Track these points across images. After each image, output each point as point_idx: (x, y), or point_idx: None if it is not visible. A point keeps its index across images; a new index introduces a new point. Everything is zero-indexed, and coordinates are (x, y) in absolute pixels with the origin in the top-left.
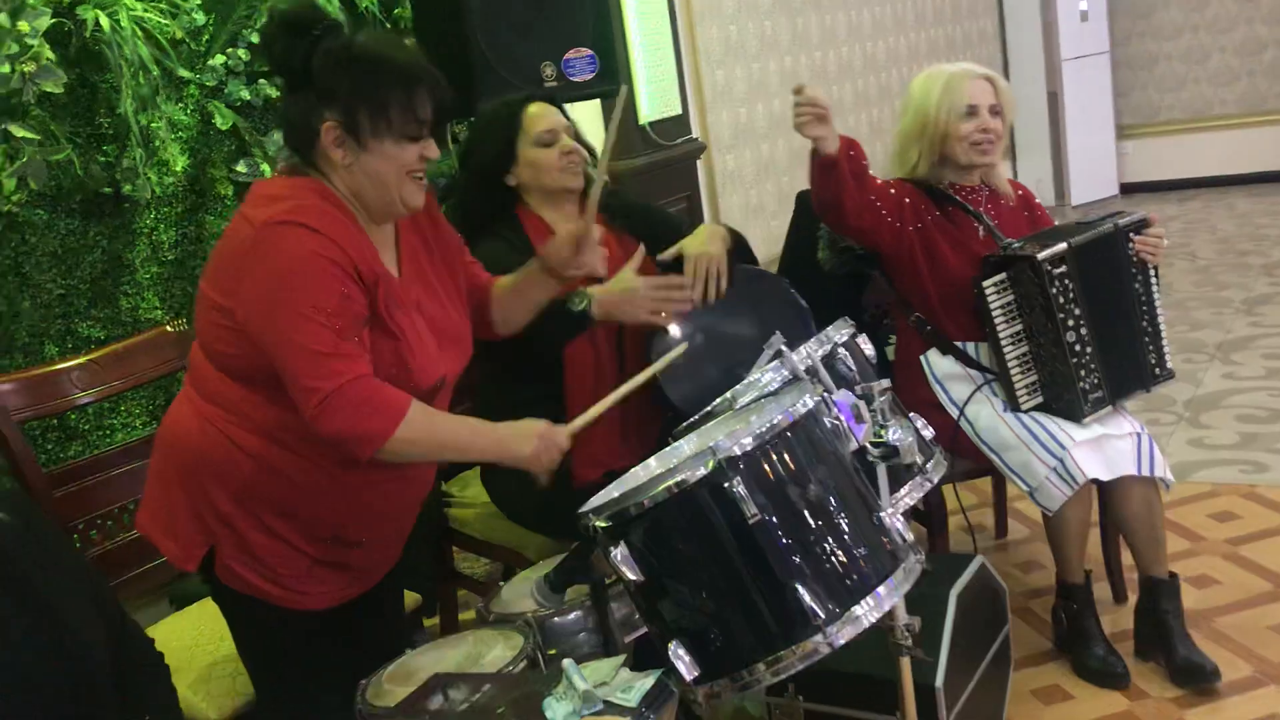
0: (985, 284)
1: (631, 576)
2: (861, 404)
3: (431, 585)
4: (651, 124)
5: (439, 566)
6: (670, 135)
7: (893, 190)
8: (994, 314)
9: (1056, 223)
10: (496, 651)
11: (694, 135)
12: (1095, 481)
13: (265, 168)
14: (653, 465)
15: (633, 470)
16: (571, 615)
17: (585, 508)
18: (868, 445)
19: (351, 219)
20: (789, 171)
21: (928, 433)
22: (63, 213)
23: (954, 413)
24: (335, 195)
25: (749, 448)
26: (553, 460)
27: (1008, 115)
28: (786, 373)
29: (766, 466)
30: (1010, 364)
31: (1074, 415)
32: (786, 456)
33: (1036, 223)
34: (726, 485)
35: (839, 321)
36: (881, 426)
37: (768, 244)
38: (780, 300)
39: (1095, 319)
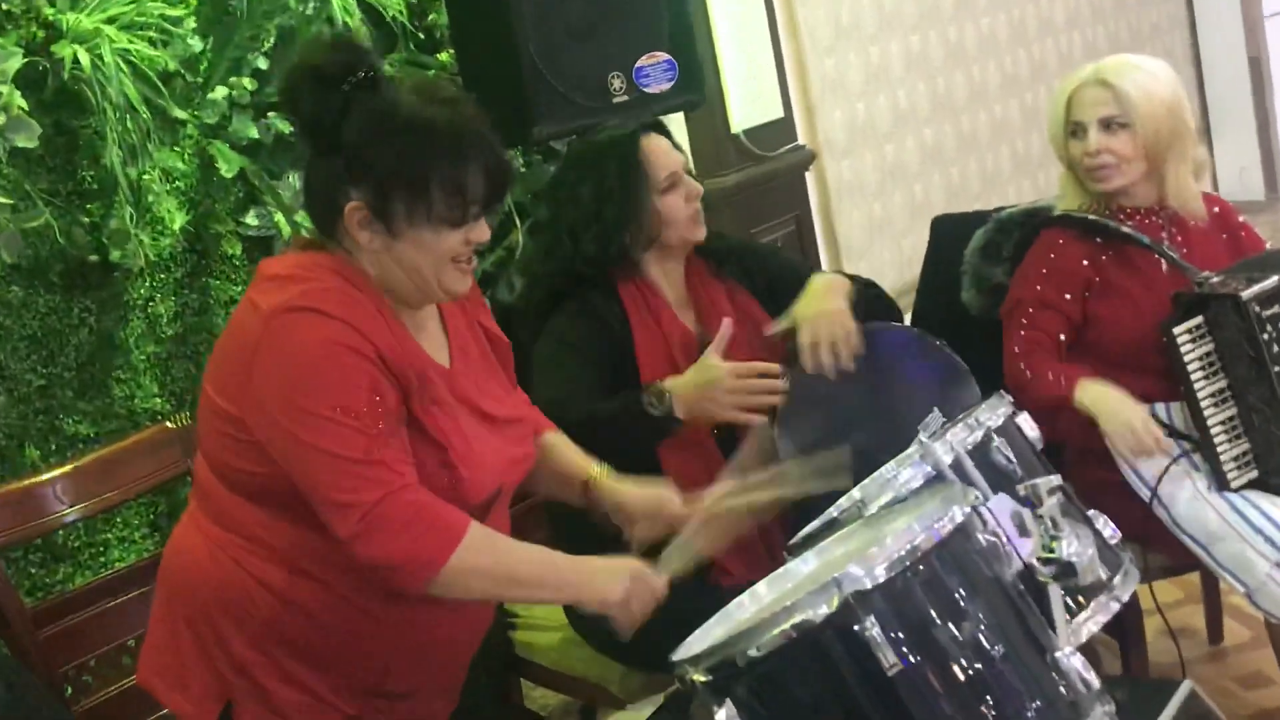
0: (1176, 330)
1: None
2: (1025, 511)
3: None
4: (746, 132)
5: (503, 705)
6: (770, 143)
7: (1045, 270)
8: (1189, 367)
9: (1268, 245)
10: None
11: (800, 142)
12: None
13: (279, 218)
14: (762, 593)
15: (738, 599)
16: None
17: (679, 654)
18: (1035, 564)
19: (378, 301)
20: (921, 177)
21: (1111, 533)
22: (41, 287)
23: (1145, 495)
24: (358, 274)
25: (883, 579)
26: (644, 610)
27: (1144, 126)
28: (929, 469)
29: (907, 602)
30: (1214, 431)
31: None
32: (932, 587)
33: (1240, 246)
34: (857, 628)
35: (993, 399)
36: (1053, 538)
37: (898, 268)
38: (930, 361)
39: None
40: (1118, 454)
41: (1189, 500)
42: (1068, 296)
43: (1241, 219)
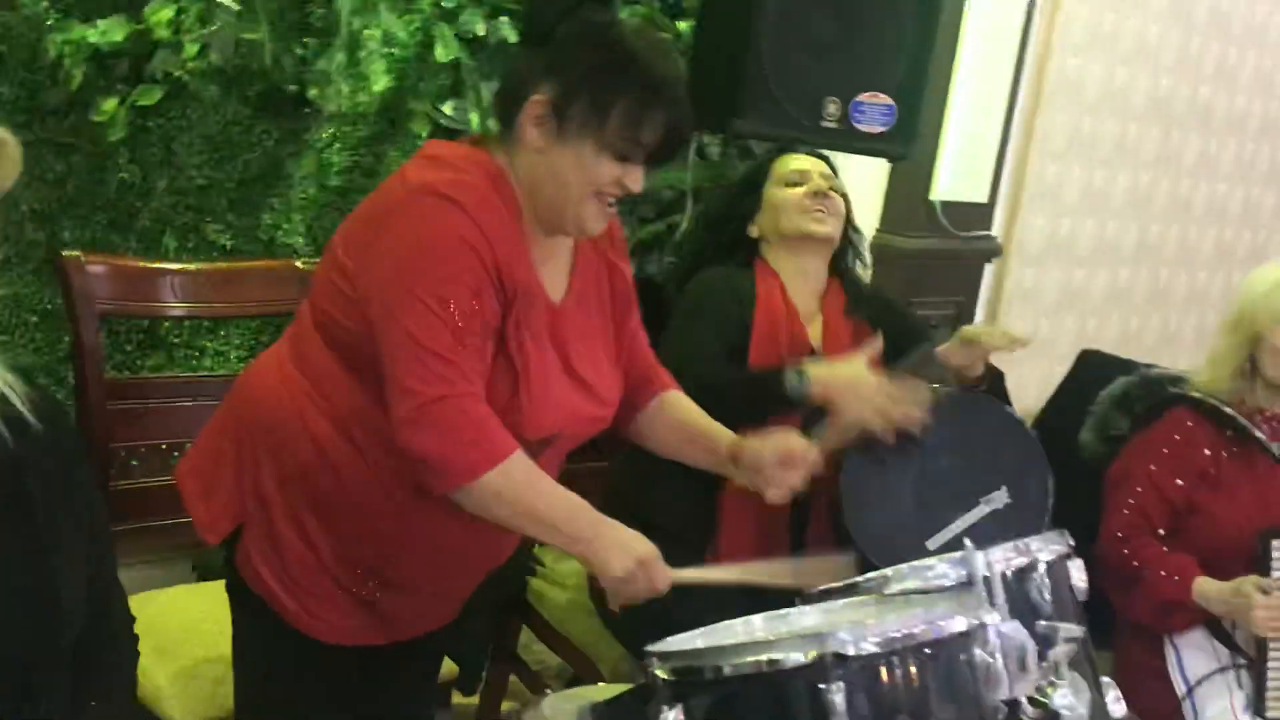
0: (1276, 541)
1: None
2: (1031, 647)
3: (482, 659)
4: (944, 204)
5: (499, 641)
6: (964, 224)
7: (1167, 450)
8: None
9: None
10: None
11: (993, 234)
12: None
13: (474, 116)
14: (756, 625)
15: (730, 623)
16: None
17: (654, 646)
18: (1023, 701)
19: (516, 217)
20: (1100, 313)
21: (1117, 707)
22: (236, 97)
23: (1180, 689)
24: (509, 185)
25: (865, 651)
26: (637, 597)
27: None
28: (963, 573)
29: (880, 682)
30: (1273, 654)
31: None
32: (910, 678)
33: None
34: (824, 687)
35: (1052, 533)
36: (1051, 684)
37: (1041, 390)
38: (1016, 443)
39: None
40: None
41: (1220, 712)
42: (1179, 482)
43: None
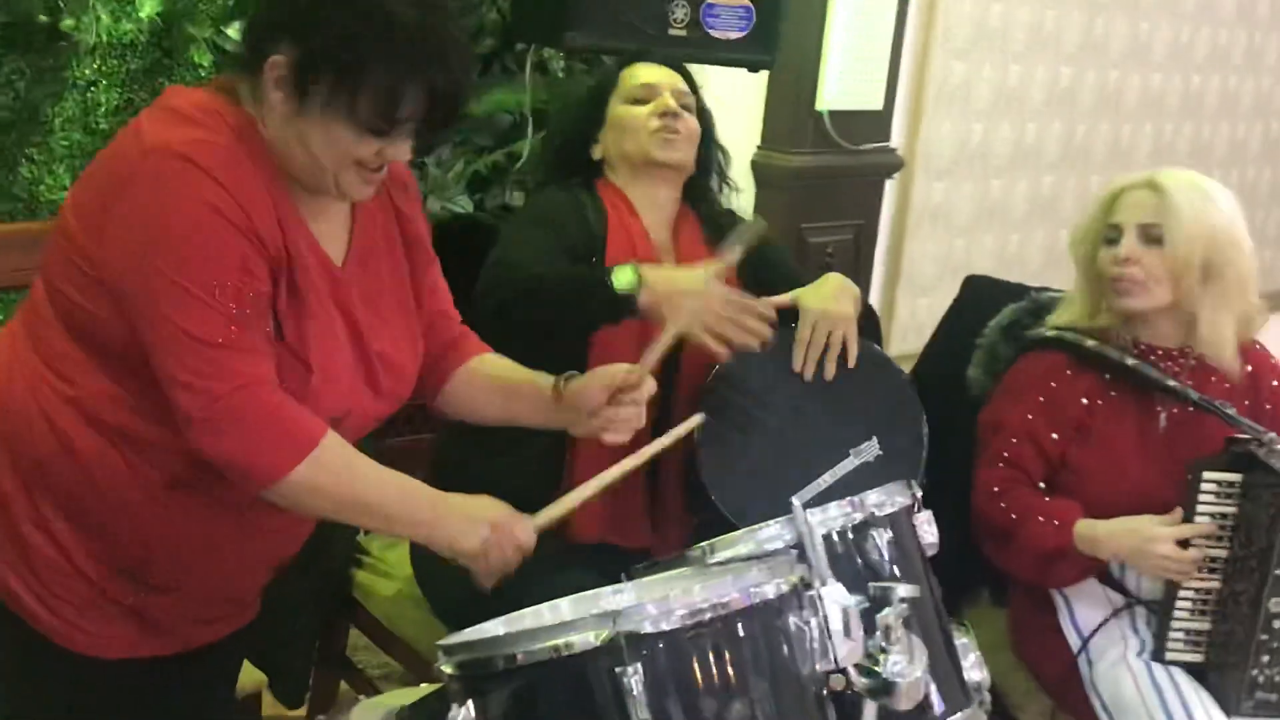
0: (1208, 474)
1: None
2: (855, 610)
3: (305, 664)
4: (832, 114)
5: (325, 644)
6: (857, 136)
7: (1042, 398)
8: (1198, 519)
9: None
10: None
11: (892, 145)
12: None
13: None
14: (563, 609)
15: (536, 608)
16: None
17: (445, 640)
18: (850, 670)
19: (272, 175)
20: (1023, 227)
21: (975, 672)
22: None
23: (1075, 643)
24: (259, 140)
25: (666, 628)
26: (507, 564)
27: (1178, 248)
28: (790, 536)
29: (684, 660)
30: (1183, 595)
31: (1225, 704)
32: (716, 654)
33: (1273, 416)
34: (619, 670)
35: (895, 485)
36: (881, 649)
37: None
38: (890, 390)
39: None
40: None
41: (1113, 661)
42: (1055, 436)
43: (1276, 384)
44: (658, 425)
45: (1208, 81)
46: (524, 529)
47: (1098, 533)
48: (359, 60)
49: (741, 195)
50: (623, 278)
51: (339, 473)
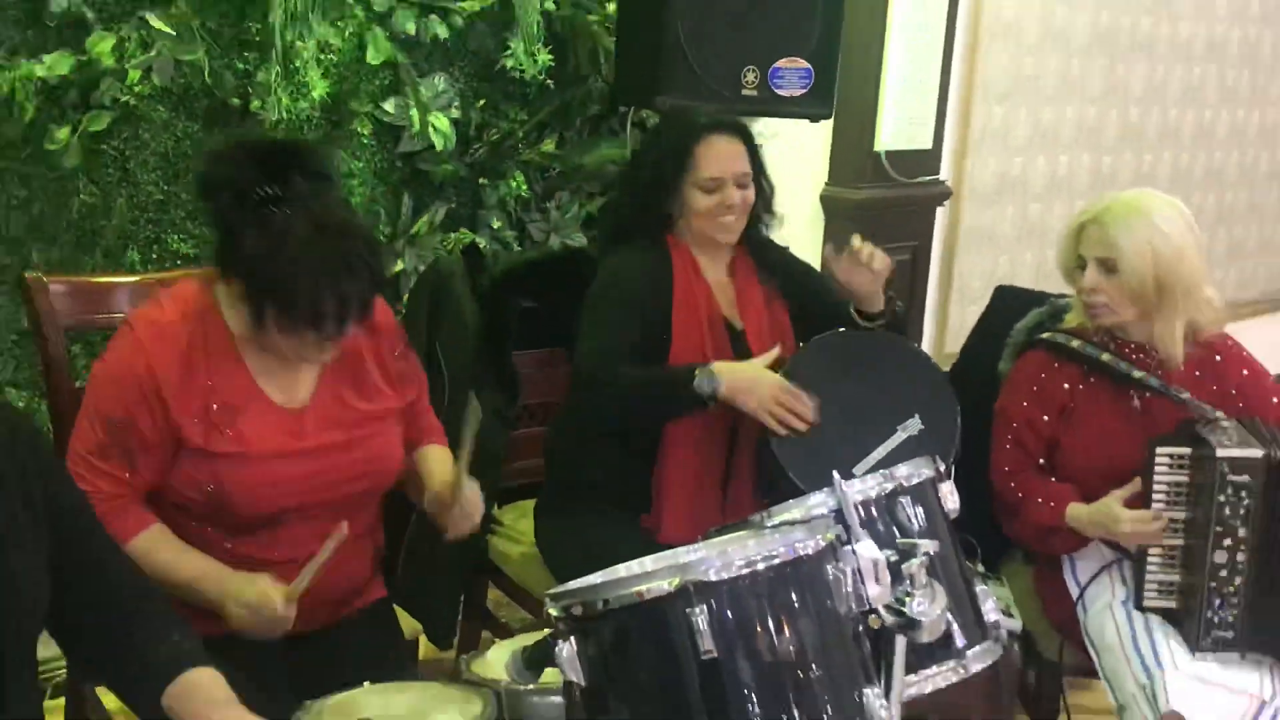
0: (1161, 449)
1: (573, 678)
2: (882, 561)
3: (452, 615)
4: (888, 154)
5: (468, 599)
6: (910, 171)
7: (1035, 388)
8: (1156, 486)
9: None
10: (446, 714)
11: (941, 178)
12: None
13: (414, 113)
14: (648, 564)
15: (627, 564)
16: (553, 699)
17: (552, 590)
18: (881, 611)
19: (222, 346)
20: (1058, 244)
21: (991, 613)
22: (184, 114)
23: (1075, 592)
24: (217, 318)
25: (725, 576)
26: (272, 633)
27: (1129, 277)
28: (834, 503)
29: (739, 601)
30: (1153, 551)
31: (1190, 643)
32: (767, 597)
33: (1240, 406)
34: (688, 610)
35: (921, 459)
36: (907, 594)
37: None
38: (925, 375)
39: (1268, 553)
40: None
41: (1101, 608)
42: (1045, 418)
43: (1246, 373)
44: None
45: (1218, 115)
46: (275, 603)
47: (1080, 517)
48: (292, 296)
49: (795, 224)
50: (703, 379)
51: (152, 555)
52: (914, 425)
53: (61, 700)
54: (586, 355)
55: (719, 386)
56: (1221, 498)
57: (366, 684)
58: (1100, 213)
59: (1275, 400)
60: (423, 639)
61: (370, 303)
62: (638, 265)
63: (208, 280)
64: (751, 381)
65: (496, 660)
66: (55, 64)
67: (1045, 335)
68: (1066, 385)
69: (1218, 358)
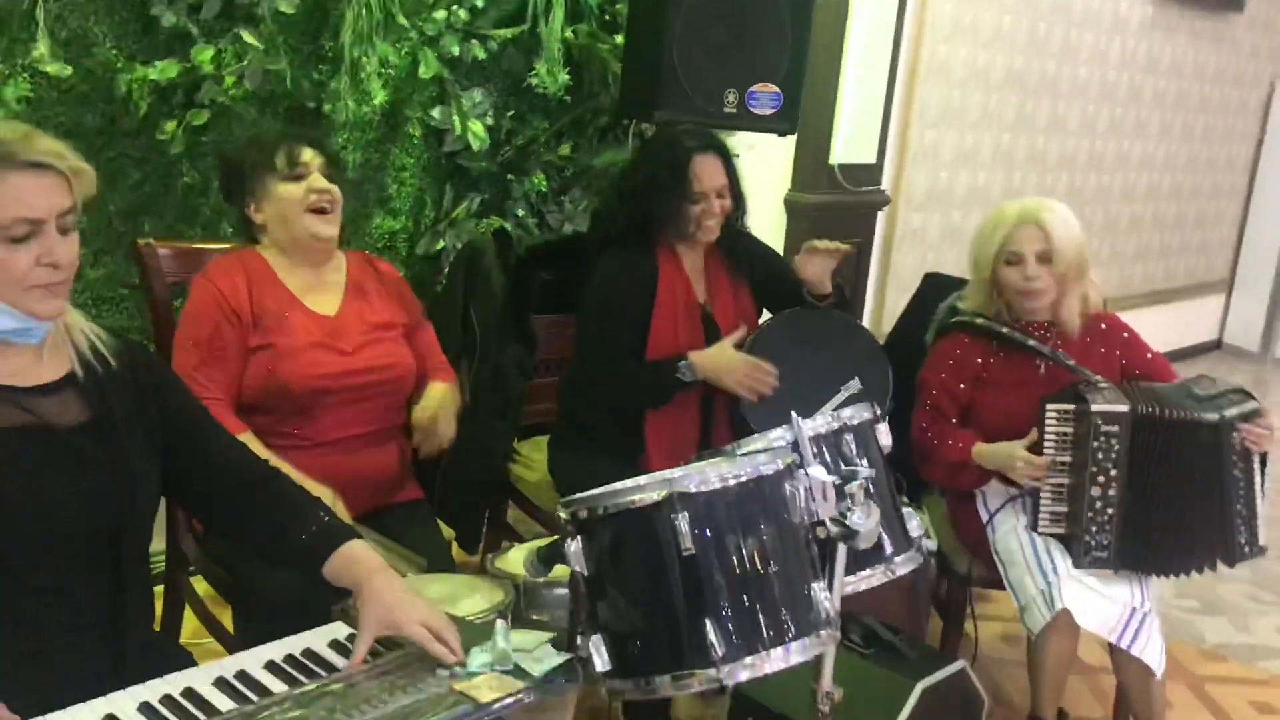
0: (1050, 405)
1: (579, 570)
2: (829, 483)
3: (479, 528)
4: (841, 166)
5: (492, 514)
6: (858, 181)
7: (952, 361)
8: (1047, 437)
9: (1182, 376)
10: (474, 600)
11: (882, 187)
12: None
13: (456, 119)
14: (642, 481)
15: (623, 481)
16: (560, 590)
17: (565, 498)
18: (828, 522)
19: (259, 272)
20: None
21: (915, 530)
22: (269, 114)
23: (985, 517)
24: (258, 256)
25: (703, 489)
26: None
27: (1060, 261)
28: (791, 436)
29: (713, 510)
30: (1045, 487)
31: (1073, 559)
32: (736, 507)
33: (1112, 362)
34: (672, 515)
35: (861, 405)
36: (848, 510)
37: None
38: (859, 343)
39: (1138, 487)
40: (1007, 483)
41: (1008, 530)
42: (962, 386)
43: (1126, 335)
44: (704, 426)
45: (1106, 144)
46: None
47: (984, 453)
48: (259, 159)
49: (763, 223)
50: (685, 369)
51: None
52: (855, 385)
53: (161, 588)
54: (590, 363)
55: (698, 374)
56: (1096, 444)
57: (409, 574)
58: (1032, 214)
59: (1149, 355)
60: (454, 546)
61: (312, 145)
62: (626, 267)
63: (251, 241)
64: (725, 365)
65: (516, 559)
66: (165, 69)
67: (961, 319)
68: (979, 359)
69: (1103, 325)
